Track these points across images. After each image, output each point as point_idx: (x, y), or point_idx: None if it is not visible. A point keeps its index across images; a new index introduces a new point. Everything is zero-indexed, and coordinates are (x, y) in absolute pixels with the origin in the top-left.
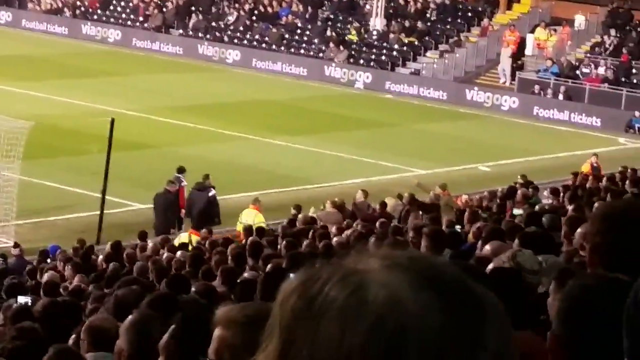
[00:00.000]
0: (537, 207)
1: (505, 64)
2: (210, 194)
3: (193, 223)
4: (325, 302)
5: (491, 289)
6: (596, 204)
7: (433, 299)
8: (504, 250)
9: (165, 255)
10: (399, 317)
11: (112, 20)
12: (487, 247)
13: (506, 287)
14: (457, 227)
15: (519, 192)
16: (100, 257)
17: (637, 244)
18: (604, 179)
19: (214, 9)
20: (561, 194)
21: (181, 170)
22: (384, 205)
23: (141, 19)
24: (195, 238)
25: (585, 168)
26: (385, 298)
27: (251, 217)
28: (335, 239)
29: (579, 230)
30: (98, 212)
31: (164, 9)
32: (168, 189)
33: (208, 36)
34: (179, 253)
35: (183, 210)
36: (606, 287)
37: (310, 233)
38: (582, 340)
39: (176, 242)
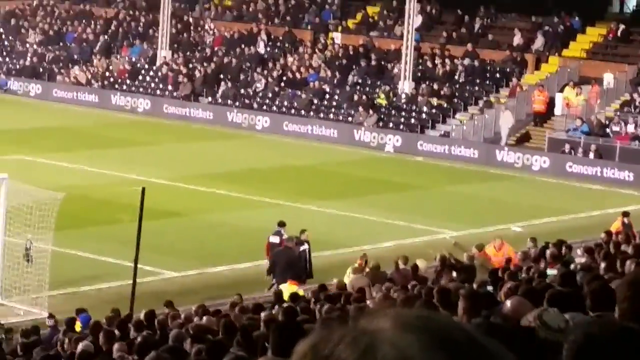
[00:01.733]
0: (572, 267)
1: (504, 124)
2: (302, 248)
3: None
4: None
5: (511, 347)
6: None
7: (441, 357)
8: (523, 305)
9: (202, 320)
10: None
11: (141, 89)
12: (507, 303)
13: (522, 345)
14: (489, 288)
15: (548, 252)
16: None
17: None
18: (637, 237)
19: (242, 76)
20: (595, 253)
21: (282, 224)
22: (415, 267)
23: (170, 87)
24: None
25: (616, 226)
26: (395, 358)
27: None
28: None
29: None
30: (130, 282)
31: (193, 78)
32: (289, 246)
33: (237, 103)
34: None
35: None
36: (613, 335)
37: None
38: None
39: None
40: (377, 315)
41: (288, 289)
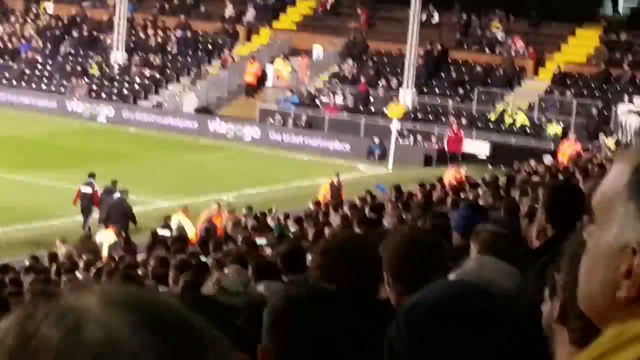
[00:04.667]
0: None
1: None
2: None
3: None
4: (42, 342)
5: (216, 319)
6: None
7: (150, 337)
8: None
9: None
10: (115, 357)
11: None
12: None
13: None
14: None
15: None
16: None
17: (352, 274)
18: (345, 206)
19: None
20: (304, 222)
21: (92, 175)
22: (128, 240)
23: None
24: None
25: (324, 189)
26: (102, 338)
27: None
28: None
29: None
30: None
31: None
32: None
33: None
34: None
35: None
36: (310, 297)
37: None
38: (290, 352)
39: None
40: (84, 291)
41: (107, 236)
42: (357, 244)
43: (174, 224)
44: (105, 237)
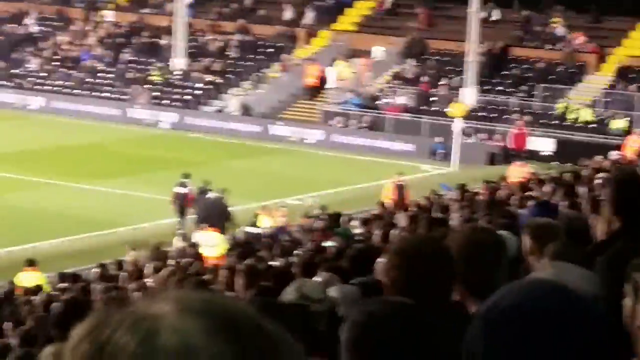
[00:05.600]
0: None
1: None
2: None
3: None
4: (116, 349)
5: (285, 324)
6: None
7: (225, 344)
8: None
9: None
10: None
11: None
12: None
13: (293, 320)
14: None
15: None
16: None
17: (429, 277)
18: (410, 206)
19: (13, 56)
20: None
21: (186, 176)
22: (194, 245)
23: None
24: None
25: (387, 190)
26: (177, 345)
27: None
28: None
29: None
30: None
31: None
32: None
33: (9, 83)
34: None
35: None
36: (390, 312)
37: None
38: None
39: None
40: (158, 297)
41: (206, 236)
42: (432, 244)
43: (261, 223)
44: (204, 238)
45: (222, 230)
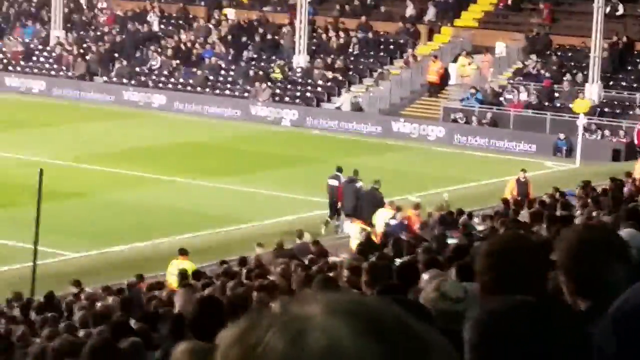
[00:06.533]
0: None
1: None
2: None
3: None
4: (266, 350)
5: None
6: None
7: (374, 345)
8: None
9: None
10: None
11: (35, 70)
12: (425, 276)
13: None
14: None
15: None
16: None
17: (521, 275)
18: (535, 203)
19: (137, 54)
20: (493, 220)
21: (340, 169)
22: (316, 242)
23: (64, 68)
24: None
25: (510, 187)
26: (326, 345)
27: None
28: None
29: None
30: (30, 264)
31: (87, 57)
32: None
33: (133, 82)
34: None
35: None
36: (514, 310)
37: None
38: None
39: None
40: (307, 300)
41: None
42: (519, 243)
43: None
44: (353, 230)
45: (371, 222)
